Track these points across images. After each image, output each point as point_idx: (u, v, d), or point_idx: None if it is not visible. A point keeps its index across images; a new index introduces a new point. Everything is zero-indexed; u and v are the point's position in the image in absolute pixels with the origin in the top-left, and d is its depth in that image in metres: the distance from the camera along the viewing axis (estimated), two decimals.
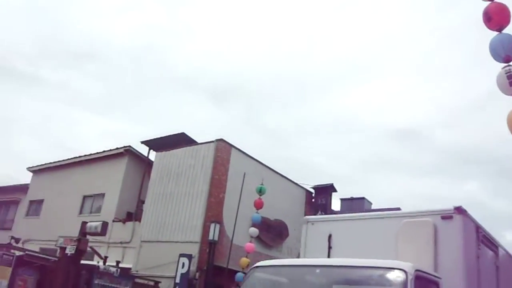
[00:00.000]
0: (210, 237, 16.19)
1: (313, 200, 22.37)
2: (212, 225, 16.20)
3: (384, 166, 63.31)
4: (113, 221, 21.34)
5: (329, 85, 66.86)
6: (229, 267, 15.64)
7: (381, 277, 4.36)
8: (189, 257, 15.75)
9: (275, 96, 67.01)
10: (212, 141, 18.20)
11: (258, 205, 16.07)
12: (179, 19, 66.53)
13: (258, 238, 18.48)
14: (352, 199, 34.14)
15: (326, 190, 22.11)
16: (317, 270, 4.79)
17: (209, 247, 16.26)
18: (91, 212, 22.88)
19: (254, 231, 15.85)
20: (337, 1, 65.19)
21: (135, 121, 69.89)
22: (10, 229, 27.73)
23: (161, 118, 66.81)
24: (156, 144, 21.63)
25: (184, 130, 18.53)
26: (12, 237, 17.19)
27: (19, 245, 21.68)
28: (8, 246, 13.83)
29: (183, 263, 15.66)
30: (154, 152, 21.51)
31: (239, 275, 14.79)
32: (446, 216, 5.23)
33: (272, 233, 19.26)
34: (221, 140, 18.16)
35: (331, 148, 65.14)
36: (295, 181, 21.84)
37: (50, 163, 26.94)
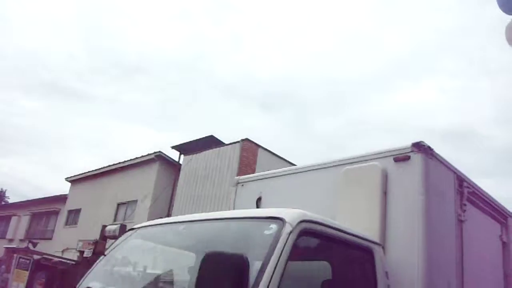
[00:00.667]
0: None
1: None
2: None
3: None
4: None
5: (379, 87, 65.41)
6: None
7: (249, 230, 3.02)
8: None
9: (323, 101, 66.41)
10: (238, 142, 17.64)
11: None
12: (225, 28, 67.04)
13: None
14: None
15: None
16: (182, 227, 3.66)
17: None
18: (124, 219, 22.77)
19: None
20: (383, 1, 63.73)
21: (184, 131, 70.69)
22: (51, 239, 28.25)
23: (210, 126, 67.31)
24: (186, 148, 21.35)
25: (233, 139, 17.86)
26: (30, 241, 17.21)
27: (59, 253, 21.96)
28: (26, 250, 13.75)
29: None
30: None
31: None
32: (400, 158, 3.64)
33: None
34: (247, 140, 17.57)
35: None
36: None
37: (86, 172, 27.27)
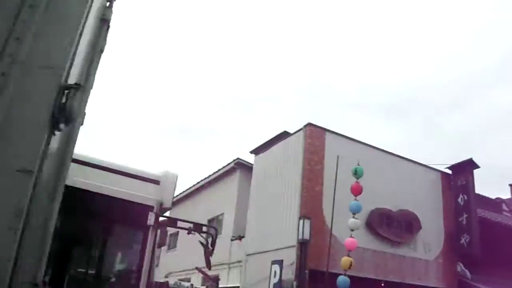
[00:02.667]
0: (300, 237, 13.28)
1: (451, 182, 17.81)
2: (301, 222, 13.28)
3: None
4: (231, 240, 19.89)
5: (502, 77, 59.16)
6: (330, 270, 12.57)
7: None
8: (280, 263, 13.14)
9: (447, 102, 61.79)
10: (301, 129, 15.57)
11: (356, 191, 12.91)
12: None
13: (377, 234, 15.09)
14: None
15: (464, 168, 17.44)
16: None
17: (300, 249, 13.34)
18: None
19: (355, 223, 12.65)
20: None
21: None
22: (157, 265, 28.14)
23: None
24: (263, 150, 19.75)
25: None
26: None
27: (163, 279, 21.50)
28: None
29: (275, 271, 13.11)
30: None
31: (340, 278, 11.75)
32: None
33: (397, 227, 15.48)
34: (310, 124, 15.40)
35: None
36: (423, 162, 17.72)
37: (179, 194, 26.90)
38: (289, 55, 66.66)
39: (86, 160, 5.93)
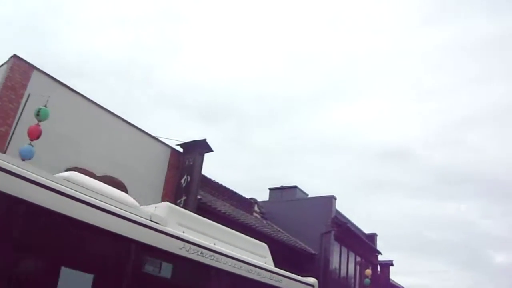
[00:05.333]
0: None
1: (180, 162, 17.08)
2: None
3: (370, 187, 60.92)
4: None
5: (315, 105, 64.15)
6: None
7: None
8: None
9: (261, 114, 64.56)
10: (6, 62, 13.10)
11: (33, 134, 11.05)
12: (165, 36, 63.36)
13: None
14: (282, 188, 29.08)
15: (194, 148, 16.87)
16: None
17: None
18: None
19: None
20: (324, 18, 62.24)
21: None
22: None
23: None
24: None
25: None
26: None
27: None
28: None
29: None
30: None
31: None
32: None
33: None
34: (16, 57, 13.04)
35: (316, 166, 62.33)
36: (153, 135, 16.65)
37: None
38: (112, 34, 62.63)
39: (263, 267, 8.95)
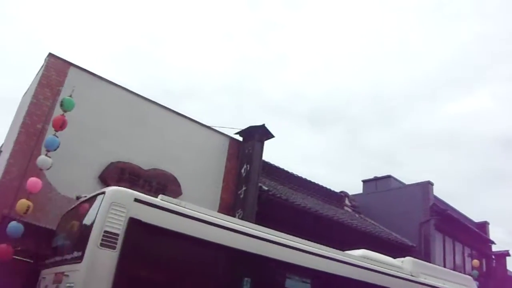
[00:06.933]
0: None
1: (239, 151, 15.86)
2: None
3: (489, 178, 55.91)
4: None
5: (428, 98, 60.45)
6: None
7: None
8: None
9: (373, 115, 62.62)
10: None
11: (57, 125, 10.64)
12: (269, 47, 64.45)
13: None
14: (376, 179, 26.76)
15: (253, 135, 15.59)
16: None
17: None
18: None
19: (44, 160, 10.34)
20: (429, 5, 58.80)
21: None
22: None
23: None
24: None
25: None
26: None
27: None
28: None
29: None
30: None
31: (12, 224, 9.37)
32: None
33: (143, 187, 13.26)
34: (52, 55, 12.87)
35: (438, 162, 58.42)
36: (209, 125, 15.67)
37: None
38: (217, 52, 65.00)
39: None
